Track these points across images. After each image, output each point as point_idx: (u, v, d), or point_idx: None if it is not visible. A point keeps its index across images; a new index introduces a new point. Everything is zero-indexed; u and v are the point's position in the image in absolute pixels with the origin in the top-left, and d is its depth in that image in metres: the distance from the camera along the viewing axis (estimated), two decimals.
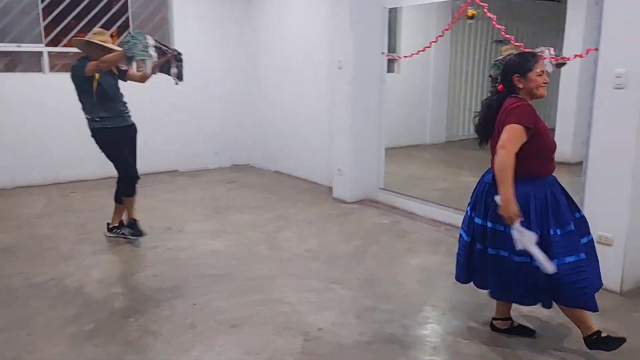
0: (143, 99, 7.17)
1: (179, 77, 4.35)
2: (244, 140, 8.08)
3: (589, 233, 2.82)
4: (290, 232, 4.93)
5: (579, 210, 2.87)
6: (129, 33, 4.17)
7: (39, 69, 6.61)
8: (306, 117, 6.92)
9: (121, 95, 4.58)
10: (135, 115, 7.25)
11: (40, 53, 6.54)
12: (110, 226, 4.74)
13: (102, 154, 4.61)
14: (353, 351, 2.84)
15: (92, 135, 4.49)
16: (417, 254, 4.34)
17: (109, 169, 7.20)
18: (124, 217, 4.76)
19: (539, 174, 2.75)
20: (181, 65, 4.33)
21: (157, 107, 7.32)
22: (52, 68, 6.69)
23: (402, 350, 2.87)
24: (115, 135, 4.51)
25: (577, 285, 2.58)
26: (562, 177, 7.99)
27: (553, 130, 8.44)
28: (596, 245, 3.52)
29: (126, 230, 4.66)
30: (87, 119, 4.48)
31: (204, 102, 7.69)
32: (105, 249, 4.41)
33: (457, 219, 4.82)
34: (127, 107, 4.65)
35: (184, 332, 3.05)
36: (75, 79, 4.34)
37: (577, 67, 7.17)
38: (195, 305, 3.38)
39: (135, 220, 4.64)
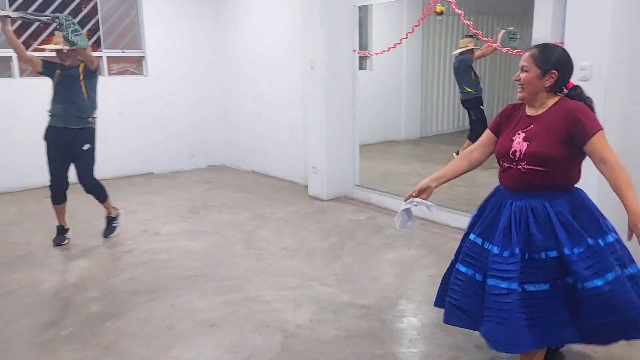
0: (115, 102, 7.13)
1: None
2: (219, 141, 8.06)
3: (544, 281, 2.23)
4: (267, 230, 4.95)
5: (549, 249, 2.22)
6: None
7: (8, 74, 6.50)
8: (280, 117, 6.94)
9: (70, 96, 4.37)
10: (108, 118, 7.20)
11: (10, 58, 6.43)
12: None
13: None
14: (331, 346, 2.88)
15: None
16: (393, 249, 4.41)
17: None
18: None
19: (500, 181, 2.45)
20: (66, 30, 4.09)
21: (129, 109, 7.27)
22: (22, 73, 6.58)
23: (379, 343, 2.92)
24: (48, 135, 4.49)
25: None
26: None
27: None
28: None
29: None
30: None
31: (177, 104, 7.65)
32: (80, 254, 4.37)
33: (431, 213, 4.89)
34: (71, 110, 4.39)
35: (163, 333, 3.05)
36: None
37: None
38: (173, 307, 3.38)
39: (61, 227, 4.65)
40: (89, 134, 4.47)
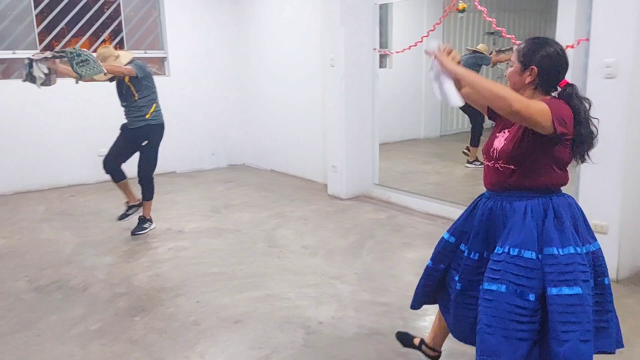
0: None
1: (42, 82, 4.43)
2: (239, 140, 8.15)
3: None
4: (287, 229, 5.02)
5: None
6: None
7: None
8: (300, 116, 7.00)
9: (125, 99, 4.87)
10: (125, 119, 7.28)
11: None
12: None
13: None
14: (353, 343, 2.93)
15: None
16: (413, 248, 4.43)
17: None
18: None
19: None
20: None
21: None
22: None
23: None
24: (123, 126, 5.03)
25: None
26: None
27: None
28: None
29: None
30: None
31: (198, 104, 7.75)
32: (106, 251, 4.48)
33: (452, 212, 4.94)
34: (129, 112, 4.89)
35: (189, 329, 3.13)
36: None
37: (569, 58, 7.26)
38: (198, 303, 3.46)
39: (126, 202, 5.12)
40: (147, 131, 4.89)
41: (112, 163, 4.95)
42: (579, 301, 1.96)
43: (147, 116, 4.83)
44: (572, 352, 1.93)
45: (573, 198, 2.20)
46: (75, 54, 4.26)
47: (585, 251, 2.08)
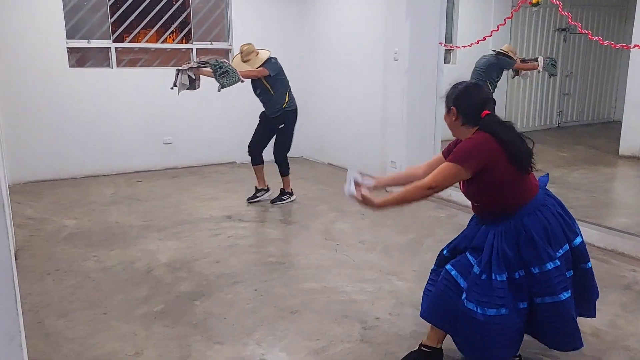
0: (203, 92, 7.43)
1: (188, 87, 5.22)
2: (298, 132, 8.12)
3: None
4: (344, 223, 5.00)
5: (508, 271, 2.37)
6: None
7: (107, 64, 6.94)
8: (360, 110, 6.95)
9: (262, 94, 5.51)
10: (196, 110, 7.56)
11: (108, 49, 6.87)
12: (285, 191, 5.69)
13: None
14: (411, 341, 2.88)
15: None
16: None
17: (171, 160, 7.54)
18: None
19: None
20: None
21: (215, 102, 7.52)
22: (119, 63, 7.01)
23: None
24: (262, 115, 5.66)
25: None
26: (629, 172, 7.66)
27: (619, 122, 8.11)
28: None
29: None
30: None
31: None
32: (169, 236, 4.62)
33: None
34: (267, 104, 5.52)
35: (247, 316, 3.17)
36: None
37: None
38: (256, 291, 3.50)
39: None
40: (284, 117, 5.45)
41: (255, 147, 5.58)
42: (567, 305, 2.34)
43: (284, 105, 5.38)
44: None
45: (551, 206, 2.43)
46: (217, 66, 5.01)
47: (562, 252, 2.37)
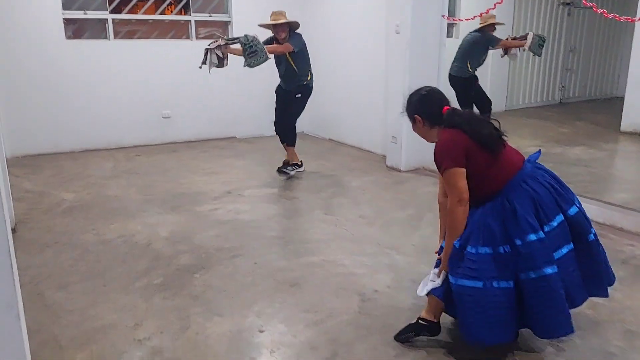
0: (202, 70, 7.35)
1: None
2: None
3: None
4: (344, 198, 5.00)
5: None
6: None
7: (104, 35, 6.86)
8: (361, 84, 6.89)
9: (284, 69, 5.52)
10: (196, 83, 7.49)
11: (105, 20, 6.77)
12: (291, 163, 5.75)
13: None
14: (409, 314, 2.89)
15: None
16: None
17: (170, 134, 7.50)
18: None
19: None
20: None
21: (215, 76, 7.44)
22: (116, 35, 6.92)
23: None
24: (278, 90, 5.72)
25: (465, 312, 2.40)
26: (630, 148, 7.64)
27: (621, 98, 8.05)
28: None
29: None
30: None
31: (259, 69, 7.73)
32: (169, 210, 4.62)
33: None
34: (287, 80, 5.53)
35: (246, 289, 3.19)
36: None
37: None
38: (255, 264, 3.52)
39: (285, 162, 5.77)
40: (302, 88, 5.49)
41: (280, 125, 5.65)
42: (551, 280, 2.29)
43: (305, 83, 5.47)
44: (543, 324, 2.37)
45: (540, 176, 2.43)
46: (248, 45, 5.02)
47: (556, 224, 2.36)
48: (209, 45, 5.04)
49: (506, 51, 6.62)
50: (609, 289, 2.64)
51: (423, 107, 2.58)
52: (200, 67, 5.13)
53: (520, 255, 2.30)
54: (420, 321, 2.64)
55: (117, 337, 2.69)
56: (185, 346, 2.62)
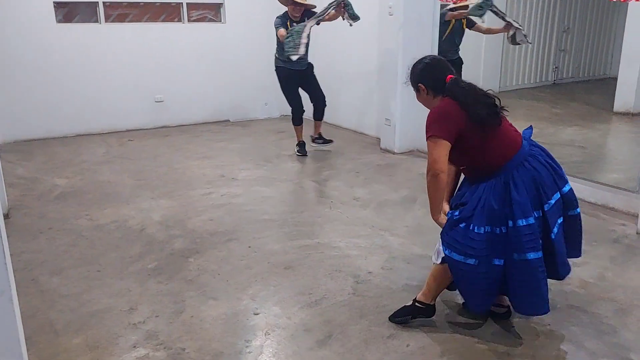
0: (194, 48, 7.29)
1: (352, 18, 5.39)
2: None
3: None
4: (338, 181, 5.00)
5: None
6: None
7: (95, 19, 6.76)
8: (354, 66, 6.85)
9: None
10: (188, 67, 7.42)
11: (96, 3, 6.67)
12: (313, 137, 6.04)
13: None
14: (403, 294, 2.92)
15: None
16: None
17: (163, 119, 7.46)
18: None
19: None
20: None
21: (207, 56, 7.40)
22: (107, 18, 6.83)
23: (452, 294, 2.90)
24: (287, 74, 5.67)
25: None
26: (623, 128, 7.66)
27: (615, 78, 8.05)
28: None
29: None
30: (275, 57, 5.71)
31: (253, 52, 7.69)
32: (162, 195, 4.61)
33: None
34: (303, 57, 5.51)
35: (241, 272, 3.20)
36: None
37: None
38: (250, 248, 3.52)
39: (302, 142, 5.93)
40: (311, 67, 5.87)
41: (300, 106, 5.81)
42: (532, 265, 2.33)
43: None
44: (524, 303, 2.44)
45: (539, 155, 2.44)
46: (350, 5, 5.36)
47: (553, 202, 2.39)
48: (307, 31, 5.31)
49: (473, 26, 6.05)
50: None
51: (427, 75, 2.54)
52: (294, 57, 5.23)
53: (509, 236, 2.33)
54: (416, 304, 2.66)
55: (112, 322, 2.70)
56: (180, 329, 2.63)
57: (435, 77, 2.52)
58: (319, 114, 5.90)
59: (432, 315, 2.67)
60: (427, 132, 2.42)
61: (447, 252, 2.44)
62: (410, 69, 2.62)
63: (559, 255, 2.45)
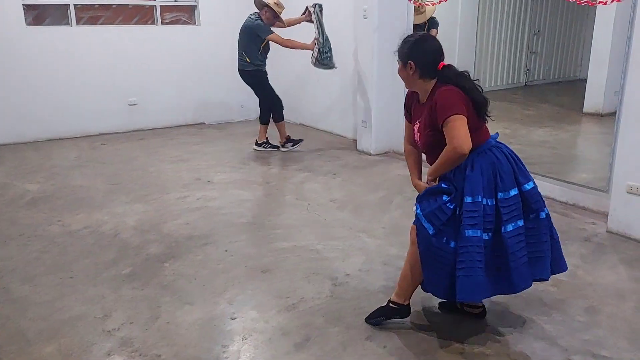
0: (168, 51, 7.22)
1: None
2: None
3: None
4: (315, 183, 5.00)
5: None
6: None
7: (66, 21, 6.64)
8: (331, 70, 6.84)
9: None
10: (163, 71, 7.35)
11: (67, 5, 6.56)
12: (259, 142, 6.11)
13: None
14: (380, 296, 2.93)
15: (244, 75, 5.90)
16: None
17: (137, 122, 7.36)
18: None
19: None
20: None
21: (182, 59, 7.34)
22: (79, 21, 6.71)
23: (428, 295, 2.92)
24: (265, 74, 5.90)
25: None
26: (593, 128, 7.82)
27: (584, 80, 8.23)
28: (627, 195, 3.57)
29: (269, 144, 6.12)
30: (246, 62, 5.78)
31: (228, 54, 7.63)
32: (137, 199, 4.54)
33: None
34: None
35: (217, 276, 3.18)
36: (249, 31, 5.67)
37: (613, 11, 6.86)
38: (226, 252, 3.50)
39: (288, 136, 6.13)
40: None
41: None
42: (468, 242, 2.29)
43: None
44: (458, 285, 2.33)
45: (504, 148, 2.45)
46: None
47: (510, 195, 2.35)
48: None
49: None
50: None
51: (420, 55, 2.42)
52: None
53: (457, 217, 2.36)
54: (390, 304, 2.67)
55: (85, 329, 2.65)
56: (156, 336, 2.60)
57: (427, 58, 2.42)
58: (268, 117, 6.11)
59: (407, 315, 2.68)
60: (448, 111, 2.29)
61: (419, 211, 2.44)
62: (402, 41, 2.48)
63: (513, 261, 2.32)
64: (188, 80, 7.43)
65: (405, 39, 2.48)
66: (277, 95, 5.99)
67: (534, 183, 2.46)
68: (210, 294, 2.98)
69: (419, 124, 2.51)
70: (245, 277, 3.18)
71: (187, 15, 7.49)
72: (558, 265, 2.54)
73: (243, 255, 3.45)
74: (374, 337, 2.58)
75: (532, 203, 2.40)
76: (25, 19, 6.32)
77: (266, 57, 5.85)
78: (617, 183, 3.71)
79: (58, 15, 6.64)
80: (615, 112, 3.86)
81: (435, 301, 2.84)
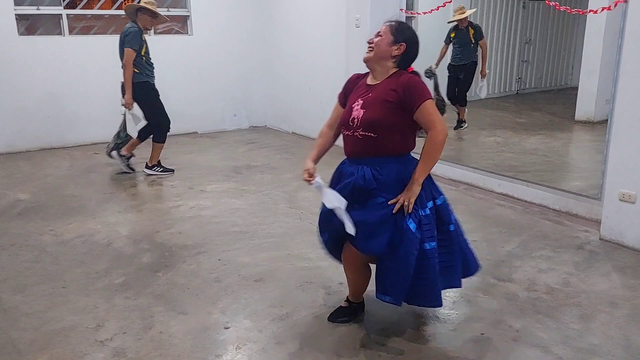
0: (160, 60, 7.21)
1: None
2: (261, 102, 8.10)
3: None
4: (309, 191, 4.98)
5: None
6: None
7: (58, 31, 6.64)
8: (323, 78, 6.89)
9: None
10: (156, 80, 7.36)
11: (60, 15, 6.56)
12: (150, 164, 5.49)
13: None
14: (373, 304, 2.92)
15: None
16: None
17: (130, 132, 7.29)
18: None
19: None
20: None
21: (174, 69, 7.34)
22: (71, 31, 6.71)
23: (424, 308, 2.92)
24: (153, 86, 5.32)
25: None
26: (584, 136, 7.87)
27: (575, 88, 8.31)
28: (619, 202, 3.59)
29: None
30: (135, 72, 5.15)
31: (221, 64, 7.68)
32: (130, 208, 4.53)
33: (475, 177, 4.87)
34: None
35: (210, 285, 3.16)
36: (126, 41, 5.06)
37: (603, 20, 6.95)
38: (219, 261, 3.49)
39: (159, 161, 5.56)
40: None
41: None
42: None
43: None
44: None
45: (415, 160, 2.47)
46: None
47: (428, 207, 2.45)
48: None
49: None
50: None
51: (414, 46, 2.46)
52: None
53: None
54: (347, 303, 2.83)
55: (77, 340, 2.62)
56: (149, 346, 2.58)
57: (414, 53, 2.48)
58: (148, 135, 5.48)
59: (361, 312, 2.82)
60: (426, 94, 2.36)
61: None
62: (400, 22, 2.52)
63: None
64: (180, 89, 7.42)
65: (407, 24, 2.54)
66: (164, 111, 5.44)
67: (445, 198, 2.58)
68: (203, 303, 2.97)
69: (361, 101, 2.46)
70: (239, 286, 3.16)
71: (179, 24, 7.51)
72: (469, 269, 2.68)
73: (236, 264, 3.44)
74: (368, 345, 2.58)
75: (443, 216, 2.52)
76: (18, 29, 6.32)
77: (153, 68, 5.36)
78: (609, 191, 3.73)
79: (50, 26, 6.64)
80: (606, 120, 3.90)
81: (431, 312, 2.84)
